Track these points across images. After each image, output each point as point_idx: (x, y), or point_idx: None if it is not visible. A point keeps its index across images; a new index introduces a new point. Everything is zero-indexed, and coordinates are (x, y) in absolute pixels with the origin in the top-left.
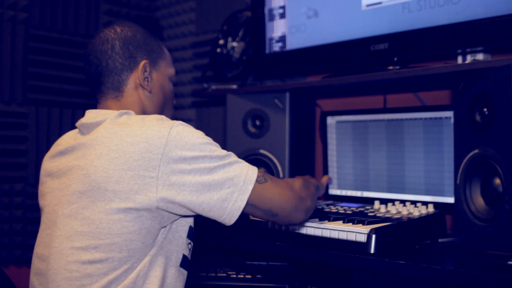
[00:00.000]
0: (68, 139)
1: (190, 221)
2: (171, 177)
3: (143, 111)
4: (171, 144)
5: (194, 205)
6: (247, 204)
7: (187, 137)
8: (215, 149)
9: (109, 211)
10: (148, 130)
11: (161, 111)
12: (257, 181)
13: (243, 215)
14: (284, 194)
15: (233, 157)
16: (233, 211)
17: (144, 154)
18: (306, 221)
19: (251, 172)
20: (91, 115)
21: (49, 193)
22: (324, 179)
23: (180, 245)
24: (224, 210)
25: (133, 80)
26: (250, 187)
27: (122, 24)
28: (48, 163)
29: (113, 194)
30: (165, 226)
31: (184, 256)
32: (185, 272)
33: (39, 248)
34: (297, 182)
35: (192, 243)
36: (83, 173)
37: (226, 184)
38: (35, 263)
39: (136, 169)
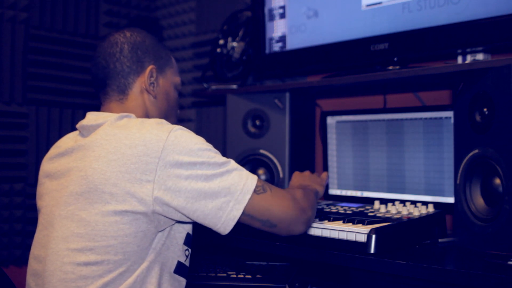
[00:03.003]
0: (68, 140)
1: (188, 228)
2: (167, 182)
3: (146, 116)
4: (169, 148)
5: (188, 212)
6: (244, 214)
7: (185, 142)
8: (214, 155)
9: (105, 213)
10: (146, 133)
11: (164, 118)
12: (255, 191)
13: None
14: (284, 205)
15: (232, 164)
16: (228, 221)
17: (141, 157)
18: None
19: (249, 181)
20: (91, 117)
21: (47, 194)
22: (324, 175)
23: (176, 252)
24: (219, 219)
25: (139, 84)
26: (247, 197)
27: (132, 30)
28: (47, 164)
29: (110, 196)
30: (163, 231)
31: (179, 263)
32: (182, 280)
33: (36, 249)
34: (298, 192)
35: (190, 250)
36: (81, 175)
37: (222, 192)
38: (32, 264)
39: (133, 172)
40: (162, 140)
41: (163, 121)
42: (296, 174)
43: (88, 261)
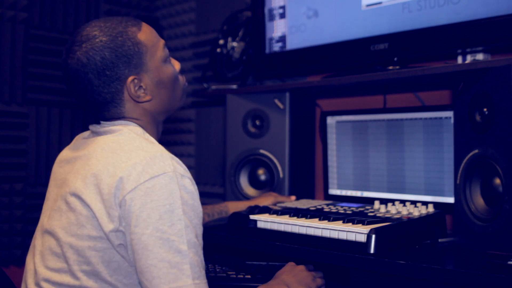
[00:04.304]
0: (78, 144)
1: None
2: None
3: (152, 117)
4: (138, 194)
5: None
6: None
7: (158, 196)
8: (179, 233)
9: (80, 236)
10: (131, 166)
11: (171, 101)
12: None
13: (244, 215)
14: None
15: (188, 259)
16: None
17: (114, 190)
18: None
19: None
20: (97, 127)
21: (47, 200)
22: (320, 282)
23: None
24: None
25: (129, 98)
26: None
27: (85, 48)
28: (56, 167)
29: (86, 220)
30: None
31: None
32: None
33: (28, 255)
34: None
35: None
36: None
37: (152, 273)
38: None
39: (106, 201)
40: (139, 182)
41: (159, 155)
42: (288, 269)
43: (67, 282)
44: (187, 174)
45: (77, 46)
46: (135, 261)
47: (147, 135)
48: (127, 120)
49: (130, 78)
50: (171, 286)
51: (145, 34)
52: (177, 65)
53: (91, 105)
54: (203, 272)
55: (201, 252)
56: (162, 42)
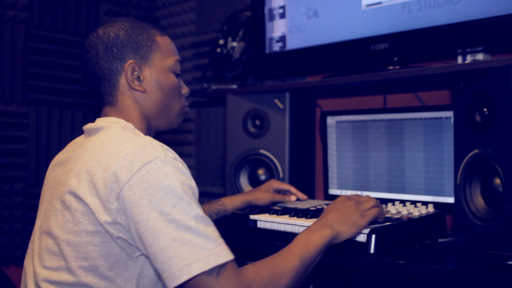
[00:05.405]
0: (70, 146)
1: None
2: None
3: (142, 113)
4: (134, 183)
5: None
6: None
7: (156, 180)
8: (183, 211)
9: (77, 232)
10: (122, 158)
11: (165, 109)
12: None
13: (244, 216)
14: None
15: (199, 231)
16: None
17: (109, 183)
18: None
19: (198, 264)
20: (91, 124)
21: (41, 204)
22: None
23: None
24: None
25: (125, 82)
26: (183, 278)
27: (105, 26)
28: (49, 171)
29: (82, 216)
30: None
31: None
32: None
33: (27, 258)
34: (287, 273)
35: None
36: (62, 190)
37: (162, 257)
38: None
39: (102, 196)
40: (132, 171)
41: (148, 143)
42: (336, 206)
43: (60, 279)
44: (179, 158)
45: (103, 25)
46: (146, 248)
47: (137, 131)
48: (118, 112)
49: (131, 61)
50: (188, 262)
51: (164, 40)
52: (184, 89)
53: (92, 81)
54: (221, 240)
55: (211, 223)
56: (177, 57)
